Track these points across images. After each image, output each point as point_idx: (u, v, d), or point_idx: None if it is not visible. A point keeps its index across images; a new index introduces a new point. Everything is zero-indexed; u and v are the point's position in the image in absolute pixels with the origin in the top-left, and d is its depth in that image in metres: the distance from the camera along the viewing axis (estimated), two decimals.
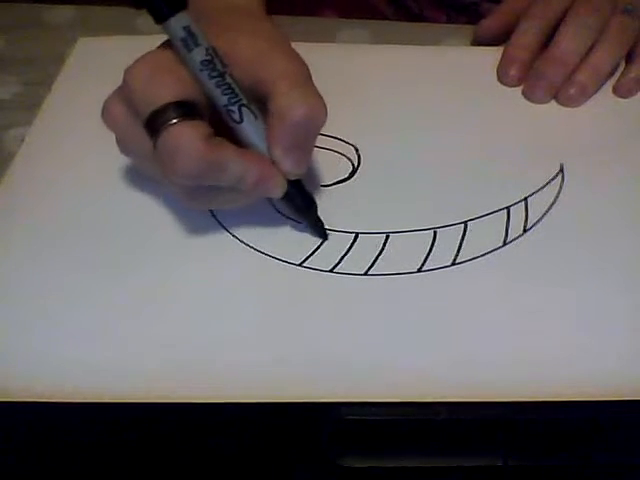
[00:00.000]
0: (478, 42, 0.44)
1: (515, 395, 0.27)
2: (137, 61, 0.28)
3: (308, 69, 0.30)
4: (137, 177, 0.35)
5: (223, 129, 0.29)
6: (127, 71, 0.28)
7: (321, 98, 0.29)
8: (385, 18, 0.52)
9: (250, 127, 0.29)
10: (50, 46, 0.44)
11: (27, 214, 0.33)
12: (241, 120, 0.28)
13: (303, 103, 0.28)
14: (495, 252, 0.32)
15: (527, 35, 0.40)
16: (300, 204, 0.32)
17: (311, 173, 0.35)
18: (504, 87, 0.41)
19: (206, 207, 0.32)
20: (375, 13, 0.53)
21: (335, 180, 0.35)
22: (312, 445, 0.26)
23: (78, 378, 0.27)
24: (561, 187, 0.35)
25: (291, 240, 0.32)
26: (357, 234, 0.33)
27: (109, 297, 0.30)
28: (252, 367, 0.28)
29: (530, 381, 0.27)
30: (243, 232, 0.33)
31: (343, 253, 0.32)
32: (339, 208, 0.34)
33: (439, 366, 0.28)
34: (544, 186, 0.35)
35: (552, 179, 0.35)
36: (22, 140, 0.37)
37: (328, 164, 0.36)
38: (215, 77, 0.28)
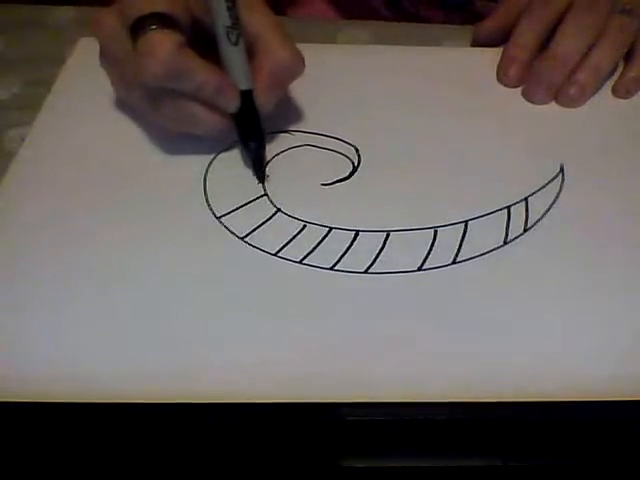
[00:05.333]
0: (478, 43, 0.44)
1: (515, 395, 0.27)
2: None
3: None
4: (136, 177, 0.35)
5: (199, 51, 0.33)
6: None
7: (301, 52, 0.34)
8: (382, 18, 0.52)
9: (239, 52, 0.33)
10: (50, 46, 0.44)
11: (27, 214, 0.33)
12: (236, 43, 0.33)
13: (292, 53, 0.34)
14: (495, 251, 0.32)
15: (526, 35, 0.41)
16: (247, 132, 0.35)
17: (311, 172, 0.35)
18: (504, 87, 0.41)
19: (166, 121, 0.35)
20: (372, 13, 0.53)
21: (335, 179, 0.35)
22: (312, 445, 0.26)
23: (77, 378, 0.27)
24: (561, 187, 0.35)
25: (291, 238, 0.32)
26: (357, 232, 0.33)
27: (109, 297, 0.30)
28: (252, 367, 0.28)
29: (530, 381, 0.27)
30: (242, 229, 0.33)
31: (343, 251, 0.32)
32: (339, 206, 0.34)
33: (439, 366, 0.28)
34: (544, 186, 0.35)
35: (552, 179, 0.35)
36: (22, 140, 0.37)
37: (328, 164, 0.36)
38: (229, 1, 0.32)
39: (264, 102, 0.34)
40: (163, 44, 0.31)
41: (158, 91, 0.33)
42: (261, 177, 0.35)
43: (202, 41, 0.33)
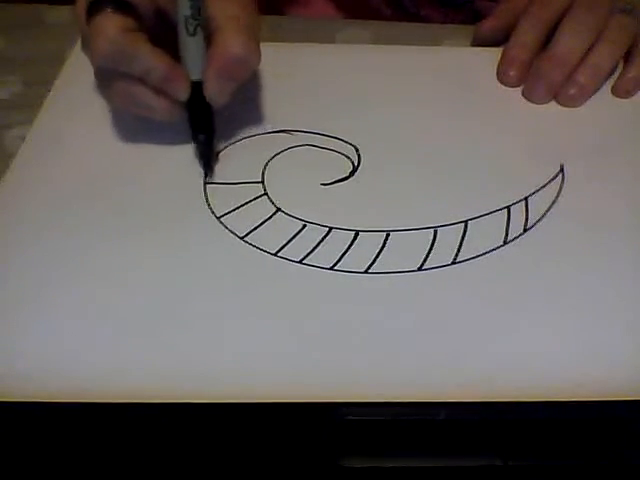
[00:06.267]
0: (478, 43, 0.44)
1: (515, 395, 0.27)
2: None
3: (256, 18, 0.35)
4: (136, 177, 0.35)
5: (164, 40, 0.33)
6: None
7: (259, 46, 0.34)
8: (382, 18, 0.52)
9: (195, 42, 0.33)
10: (50, 46, 0.44)
11: (27, 214, 0.33)
12: (193, 34, 0.33)
13: (243, 43, 0.33)
14: (495, 251, 0.32)
15: (526, 35, 0.41)
16: (197, 124, 0.35)
17: (311, 172, 0.35)
18: (504, 87, 0.41)
19: (119, 102, 0.35)
20: (372, 12, 0.53)
21: (335, 179, 0.35)
22: (312, 445, 0.26)
23: (77, 378, 0.27)
24: (561, 187, 0.35)
25: (291, 237, 0.32)
26: (357, 232, 0.33)
27: (109, 297, 0.30)
28: (252, 367, 0.28)
29: (530, 381, 0.27)
30: (242, 229, 0.33)
31: (343, 251, 0.32)
32: (339, 206, 0.34)
33: (439, 366, 0.28)
34: (544, 186, 0.35)
35: (552, 179, 0.35)
36: (22, 140, 0.37)
37: (328, 163, 0.36)
38: None
39: (211, 92, 0.34)
40: (110, 26, 0.31)
41: (108, 72, 0.33)
42: (208, 171, 0.35)
43: (168, 31, 0.34)
